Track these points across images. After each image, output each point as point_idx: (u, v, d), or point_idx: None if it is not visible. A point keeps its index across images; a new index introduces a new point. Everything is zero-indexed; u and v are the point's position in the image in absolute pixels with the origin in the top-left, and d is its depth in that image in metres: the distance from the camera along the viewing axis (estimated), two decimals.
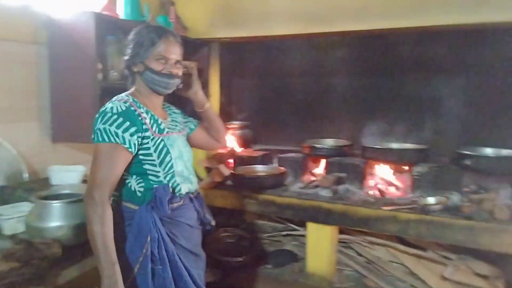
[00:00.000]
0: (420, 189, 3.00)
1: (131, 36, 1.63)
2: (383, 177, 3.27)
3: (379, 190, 3.14)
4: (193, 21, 3.28)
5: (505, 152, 3.05)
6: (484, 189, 2.92)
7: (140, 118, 1.54)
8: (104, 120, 1.49)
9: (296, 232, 3.51)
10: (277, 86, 4.14)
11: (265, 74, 4.25)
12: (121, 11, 2.52)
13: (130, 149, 1.50)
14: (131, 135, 1.50)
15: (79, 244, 1.71)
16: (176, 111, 1.85)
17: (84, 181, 2.16)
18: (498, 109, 3.30)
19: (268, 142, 4.21)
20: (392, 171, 3.26)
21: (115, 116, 1.49)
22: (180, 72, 1.65)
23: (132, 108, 1.54)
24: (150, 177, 1.57)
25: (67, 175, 2.08)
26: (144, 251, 1.52)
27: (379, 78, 3.68)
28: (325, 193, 3.08)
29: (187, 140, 1.80)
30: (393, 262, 3.15)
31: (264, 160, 3.74)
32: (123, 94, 1.62)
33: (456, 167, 3.00)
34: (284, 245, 3.52)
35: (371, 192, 3.15)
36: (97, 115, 1.54)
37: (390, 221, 2.76)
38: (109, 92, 2.51)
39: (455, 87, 3.41)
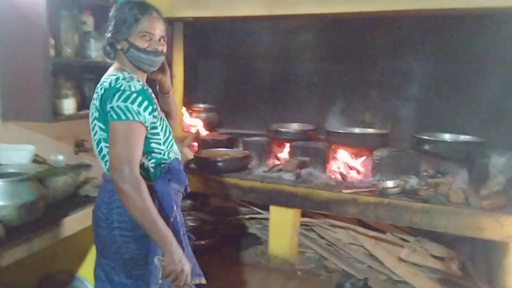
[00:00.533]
0: (380, 173, 3.05)
1: (112, 12, 1.59)
2: (345, 161, 3.30)
3: (341, 174, 3.18)
4: None
5: (462, 137, 3.13)
6: (442, 173, 2.99)
7: (152, 97, 1.53)
8: (123, 98, 1.44)
9: (259, 215, 3.52)
10: (243, 69, 4.09)
11: (231, 57, 4.19)
12: None
13: (148, 128, 1.50)
14: (149, 114, 1.49)
15: (24, 225, 1.64)
16: None
17: (35, 161, 2.08)
18: (457, 95, 3.37)
19: (234, 126, 4.18)
20: (354, 155, 3.30)
21: (135, 95, 1.45)
22: (165, 49, 1.62)
23: (145, 87, 1.52)
24: (154, 154, 1.57)
25: (17, 154, 1.99)
26: (171, 220, 1.53)
27: (344, 63, 3.69)
28: (288, 176, 3.09)
29: None
30: (353, 244, 3.21)
31: (229, 143, 3.72)
32: (122, 71, 1.55)
33: (415, 151, 3.06)
34: (248, 228, 3.53)
35: (333, 176, 3.18)
36: (105, 92, 1.48)
37: (350, 204, 2.80)
38: (62, 68, 2.44)
39: (416, 73, 3.46)
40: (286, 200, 2.98)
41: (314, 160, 3.27)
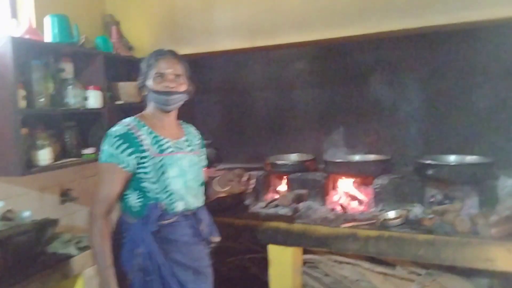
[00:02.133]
0: (382, 202, 2.86)
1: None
2: (345, 191, 3.13)
3: (341, 206, 3.00)
4: (139, 40, 3.16)
5: (468, 158, 2.92)
6: (450, 199, 2.77)
7: (137, 140, 1.65)
8: (106, 142, 1.65)
9: (259, 254, 3.34)
10: (238, 102, 4.00)
11: (225, 90, 4.11)
12: (49, 33, 2.39)
13: (127, 168, 1.63)
14: (129, 155, 1.62)
15: None
16: (194, 132, 1.97)
17: (4, 218, 2.00)
18: (460, 114, 3.17)
19: (233, 160, 4.05)
20: (354, 184, 3.12)
21: (116, 139, 1.63)
22: (181, 87, 1.72)
23: (131, 131, 1.66)
24: (147, 193, 1.66)
25: None
26: (135, 262, 1.62)
27: (339, 89, 3.55)
28: (284, 212, 2.93)
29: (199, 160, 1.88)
30: (360, 280, 2.98)
31: None
32: (130, 118, 1.74)
33: (419, 177, 2.86)
34: (248, 268, 3.35)
35: (333, 208, 3.00)
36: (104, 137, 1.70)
37: (350, 239, 2.62)
38: (38, 118, 2.39)
39: (415, 94, 3.28)
40: (282, 238, 2.81)
41: (312, 192, 3.11)
